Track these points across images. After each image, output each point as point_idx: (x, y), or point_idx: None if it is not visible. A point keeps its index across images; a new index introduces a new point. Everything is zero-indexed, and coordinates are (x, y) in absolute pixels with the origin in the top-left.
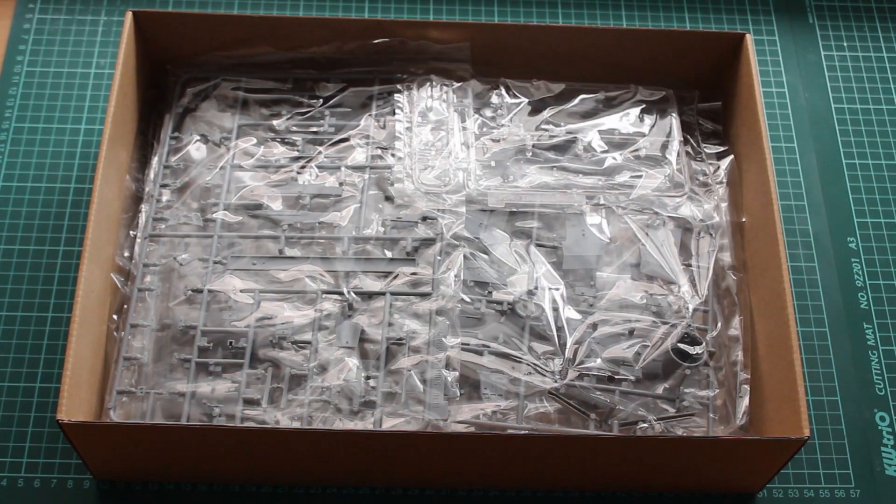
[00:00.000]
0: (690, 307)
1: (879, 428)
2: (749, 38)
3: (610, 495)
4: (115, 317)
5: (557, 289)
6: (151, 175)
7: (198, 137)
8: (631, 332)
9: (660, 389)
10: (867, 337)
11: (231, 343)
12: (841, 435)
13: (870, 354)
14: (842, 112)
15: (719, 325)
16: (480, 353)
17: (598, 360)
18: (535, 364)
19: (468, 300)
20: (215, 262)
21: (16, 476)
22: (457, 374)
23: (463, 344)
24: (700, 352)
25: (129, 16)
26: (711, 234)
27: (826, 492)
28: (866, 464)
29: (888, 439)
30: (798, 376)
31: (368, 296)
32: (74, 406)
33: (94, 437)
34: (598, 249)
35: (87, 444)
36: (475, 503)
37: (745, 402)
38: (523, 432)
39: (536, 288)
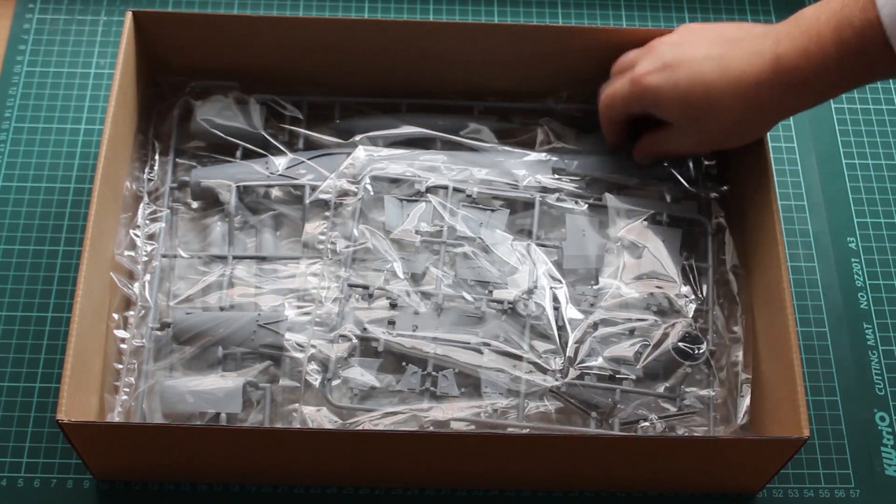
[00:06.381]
0: (691, 306)
1: (879, 428)
2: None
3: (610, 495)
4: (115, 316)
5: (559, 287)
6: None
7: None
8: (632, 332)
9: (661, 388)
10: (867, 337)
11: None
12: (841, 435)
13: (870, 354)
14: (842, 112)
15: (720, 324)
16: (481, 352)
17: (600, 360)
18: (535, 363)
19: (469, 299)
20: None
21: (16, 476)
22: (455, 371)
23: (463, 343)
24: (701, 351)
25: (129, 16)
26: (712, 233)
27: (826, 492)
28: (866, 464)
29: (888, 439)
30: (798, 376)
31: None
32: (74, 406)
33: (94, 437)
34: (599, 249)
35: (87, 444)
36: (475, 503)
37: (747, 401)
38: (524, 431)
39: (537, 287)
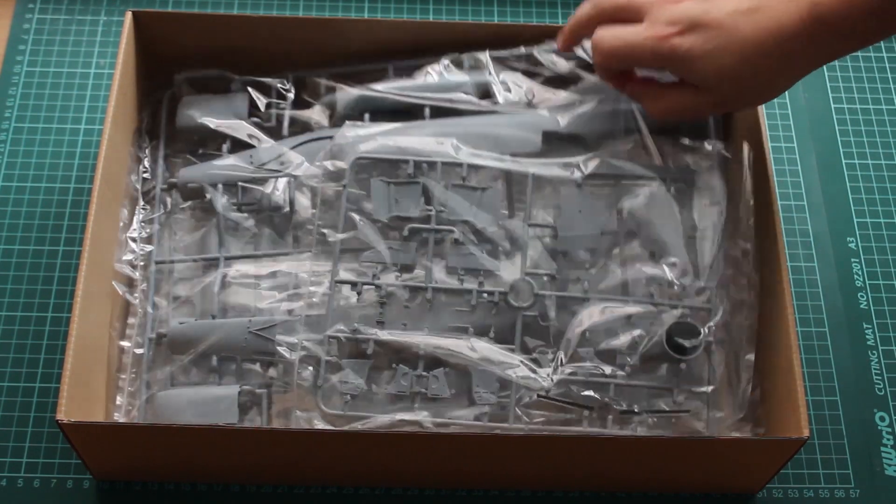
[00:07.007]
0: (693, 286)
1: (879, 428)
2: None
3: (610, 495)
4: (114, 320)
5: (554, 277)
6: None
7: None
8: (629, 318)
9: (657, 380)
10: (867, 337)
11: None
12: (841, 435)
13: (870, 354)
14: (842, 112)
15: (722, 307)
16: (472, 351)
17: (594, 351)
18: (528, 358)
19: (460, 289)
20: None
21: (16, 476)
22: (446, 370)
23: (454, 341)
24: (696, 343)
25: (128, 16)
26: (721, 202)
27: (826, 492)
28: (866, 464)
29: (888, 439)
30: (798, 376)
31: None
32: (74, 406)
33: (94, 437)
34: (596, 226)
35: (87, 444)
36: (475, 503)
37: (748, 389)
38: (522, 433)
39: (529, 273)
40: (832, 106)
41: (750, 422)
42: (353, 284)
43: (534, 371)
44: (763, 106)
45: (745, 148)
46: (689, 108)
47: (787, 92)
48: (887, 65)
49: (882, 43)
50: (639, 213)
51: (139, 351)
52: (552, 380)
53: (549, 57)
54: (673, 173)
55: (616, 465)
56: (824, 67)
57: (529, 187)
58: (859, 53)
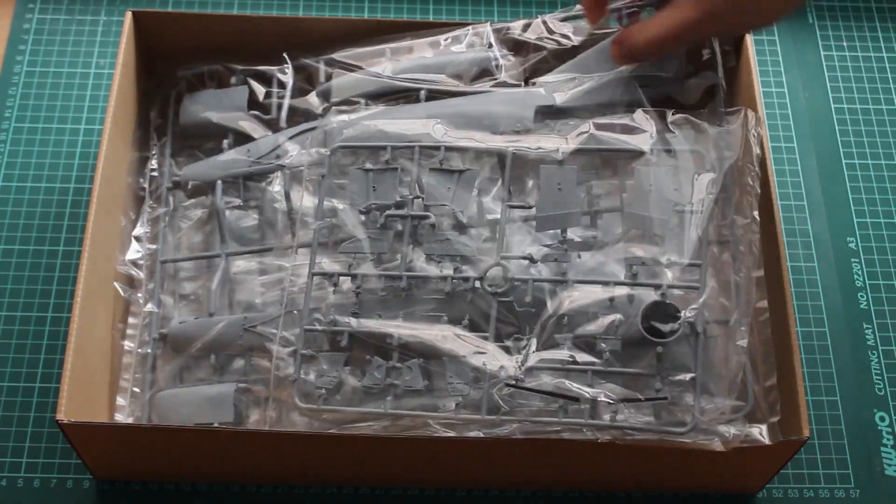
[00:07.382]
0: (681, 264)
1: (879, 428)
2: (749, 38)
3: (609, 495)
4: (116, 320)
5: (533, 259)
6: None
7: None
8: (611, 301)
9: (642, 367)
10: (867, 337)
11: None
12: (841, 435)
13: (870, 354)
14: (842, 112)
15: (709, 285)
16: (445, 340)
17: (572, 337)
18: (501, 346)
19: (436, 276)
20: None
21: (16, 476)
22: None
23: (427, 331)
24: (675, 327)
25: (128, 16)
26: (711, 171)
27: (826, 492)
28: (866, 464)
29: (888, 439)
30: (798, 376)
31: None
32: (74, 406)
33: (94, 437)
34: (577, 206)
35: (87, 444)
36: (475, 503)
37: (738, 376)
38: (518, 435)
39: (505, 258)
40: (832, 106)
41: (758, 414)
42: (330, 276)
43: (505, 359)
44: (763, 106)
45: (751, 115)
46: (678, 25)
47: (786, 92)
48: (887, 65)
49: (882, 42)
50: (624, 189)
51: (141, 350)
52: (521, 368)
53: (551, 26)
54: (662, 145)
55: (616, 466)
56: (824, 67)
57: (508, 167)
58: (859, 53)
